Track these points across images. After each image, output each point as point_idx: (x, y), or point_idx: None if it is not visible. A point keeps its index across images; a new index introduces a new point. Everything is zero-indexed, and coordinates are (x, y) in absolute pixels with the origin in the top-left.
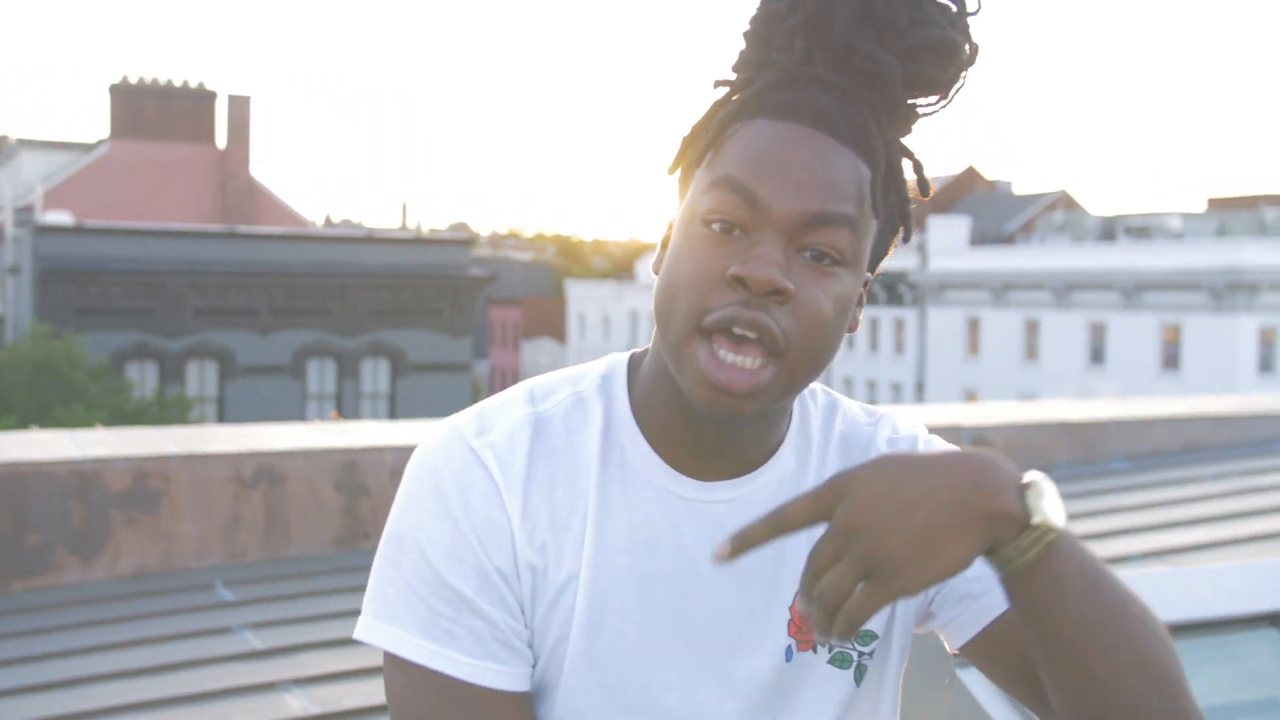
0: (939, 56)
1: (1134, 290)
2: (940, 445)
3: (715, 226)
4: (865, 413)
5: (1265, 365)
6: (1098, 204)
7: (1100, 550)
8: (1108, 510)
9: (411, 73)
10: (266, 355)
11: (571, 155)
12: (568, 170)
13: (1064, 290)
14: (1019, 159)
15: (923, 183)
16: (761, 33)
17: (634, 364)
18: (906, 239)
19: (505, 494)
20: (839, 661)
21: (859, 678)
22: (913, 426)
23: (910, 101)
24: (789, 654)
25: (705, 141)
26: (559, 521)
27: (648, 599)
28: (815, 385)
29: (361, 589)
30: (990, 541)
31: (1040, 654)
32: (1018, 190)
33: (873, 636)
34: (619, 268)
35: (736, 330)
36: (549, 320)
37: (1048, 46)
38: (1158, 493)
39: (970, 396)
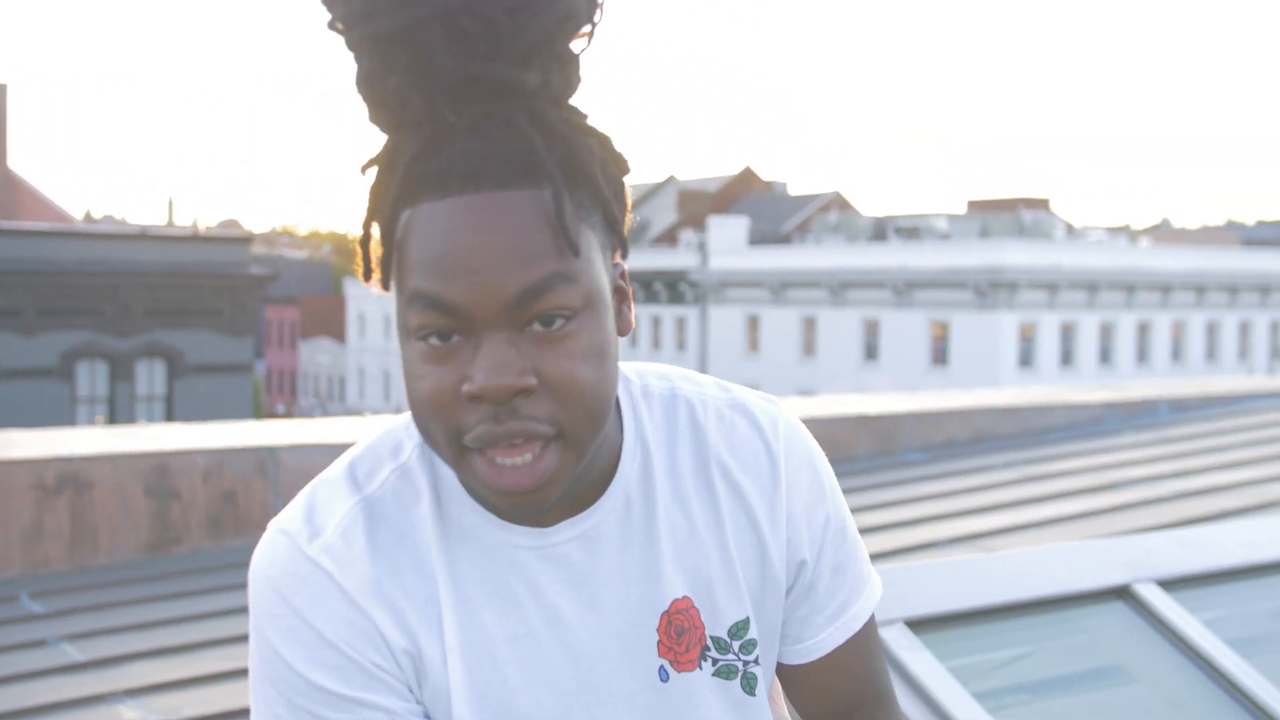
0: (564, 24)
1: (905, 288)
2: (800, 430)
3: (432, 339)
4: (718, 390)
5: (1025, 360)
6: (869, 205)
7: (904, 538)
8: (908, 500)
9: (169, 62)
10: (32, 358)
11: (346, 150)
12: (342, 166)
13: (839, 288)
14: (794, 161)
15: (615, 156)
16: (375, 97)
17: None
18: (623, 210)
19: (357, 597)
20: (724, 674)
21: (750, 687)
22: (771, 414)
23: (560, 63)
24: (663, 674)
25: (384, 247)
26: (417, 605)
27: (522, 655)
28: (648, 375)
29: (178, 595)
30: None
31: None
32: (793, 191)
33: (754, 645)
34: None
35: (500, 444)
36: (327, 320)
37: (819, 51)
38: (953, 481)
39: None
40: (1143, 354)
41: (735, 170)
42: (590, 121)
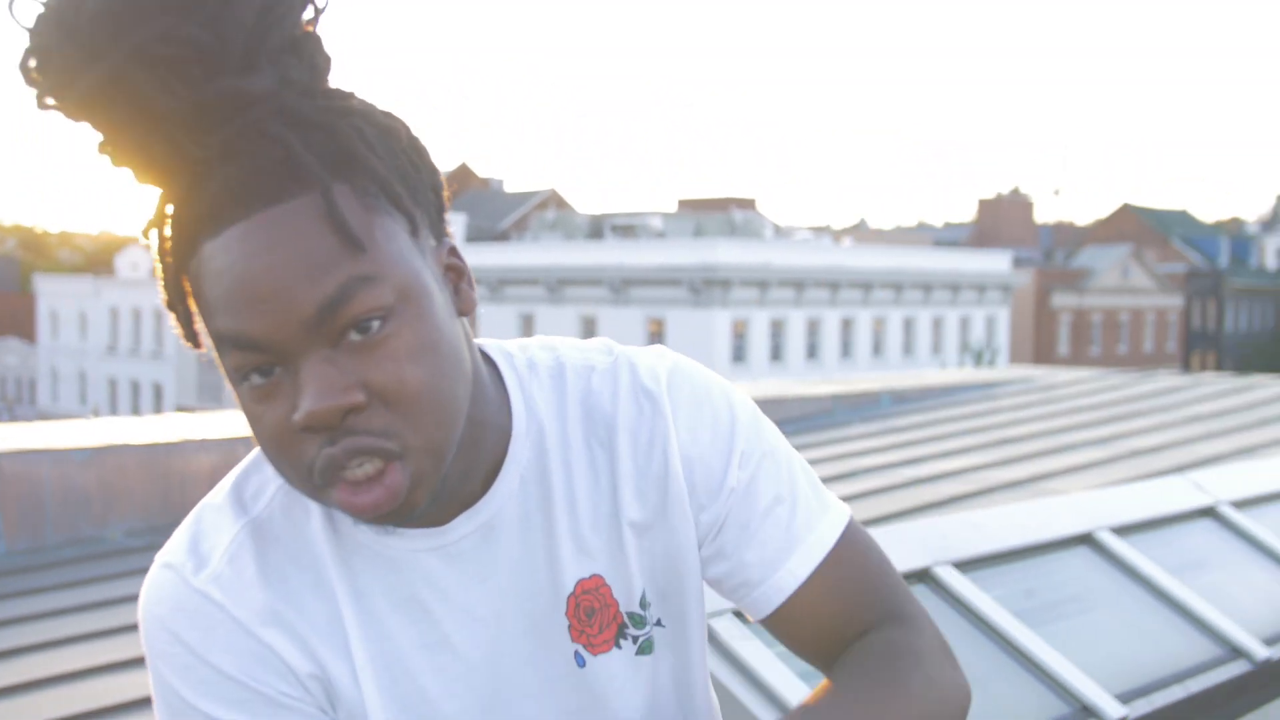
0: (266, 25)
1: (621, 285)
2: (691, 373)
3: (254, 377)
4: (602, 354)
5: (738, 355)
6: (585, 203)
7: None
8: None
9: None
10: None
11: (32, 141)
12: (28, 158)
13: (557, 285)
14: (510, 158)
15: (386, 115)
16: (123, 159)
17: None
18: (422, 184)
19: (252, 626)
20: (645, 649)
21: (648, 648)
22: (653, 366)
23: (289, 55)
24: (580, 660)
25: (182, 303)
26: (318, 626)
27: (436, 661)
28: (531, 348)
29: None
30: None
31: None
32: (510, 188)
33: (642, 620)
34: (93, 262)
35: (345, 474)
36: (15, 318)
37: (528, 45)
38: None
39: None
40: (846, 348)
41: (451, 167)
42: (357, 98)
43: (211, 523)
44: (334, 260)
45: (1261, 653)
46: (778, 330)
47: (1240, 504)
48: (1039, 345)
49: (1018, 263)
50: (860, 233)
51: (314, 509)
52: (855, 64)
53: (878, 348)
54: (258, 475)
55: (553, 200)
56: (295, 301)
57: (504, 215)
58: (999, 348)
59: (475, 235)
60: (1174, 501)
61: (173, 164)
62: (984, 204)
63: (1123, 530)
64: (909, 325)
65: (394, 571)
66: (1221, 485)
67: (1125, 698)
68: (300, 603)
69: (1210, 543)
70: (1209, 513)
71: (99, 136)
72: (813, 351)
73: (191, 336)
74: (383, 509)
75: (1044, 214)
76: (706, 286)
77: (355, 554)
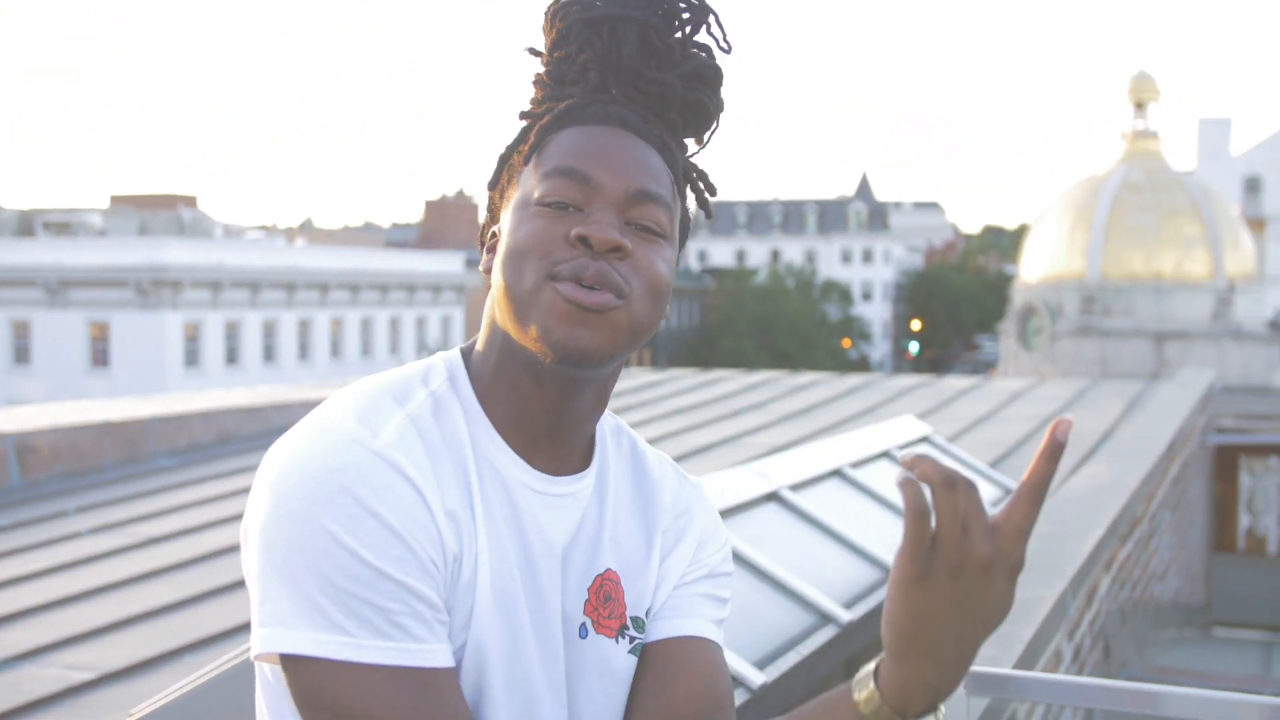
0: (706, 83)
1: (59, 287)
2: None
3: (552, 205)
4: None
5: (190, 359)
6: (12, 198)
7: (189, 546)
8: (189, 505)
9: None
10: None
11: None
12: None
13: None
14: None
15: (708, 184)
16: (555, 74)
17: (465, 361)
18: (709, 215)
19: (424, 490)
20: (637, 651)
21: (637, 651)
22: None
23: (682, 140)
24: (583, 631)
25: (528, 149)
26: (458, 512)
27: (526, 580)
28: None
29: None
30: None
31: None
32: None
33: (642, 625)
34: None
35: (584, 281)
36: None
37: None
38: (225, 484)
39: None
40: (304, 351)
41: None
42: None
43: (372, 406)
44: (661, 179)
45: (844, 616)
46: (233, 333)
47: (795, 487)
48: None
49: (469, 264)
50: (309, 232)
51: (458, 419)
52: (295, 60)
53: (336, 349)
54: (403, 384)
55: None
56: (632, 175)
57: None
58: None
59: None
60: (745, 489)
61: (589, 91)
62: (430, 205)
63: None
64: (366, 326)
65: (510, 492)
66: (777, 472)
67: (760, 665)
68: (446, 491)
69: (778, 522)
70: (772, 496)
71: (555, 46)
72: (270, 354)
73: (496, 181)
74: (593, 303)
75: None
76: (155, 288)
77: (486, 469)
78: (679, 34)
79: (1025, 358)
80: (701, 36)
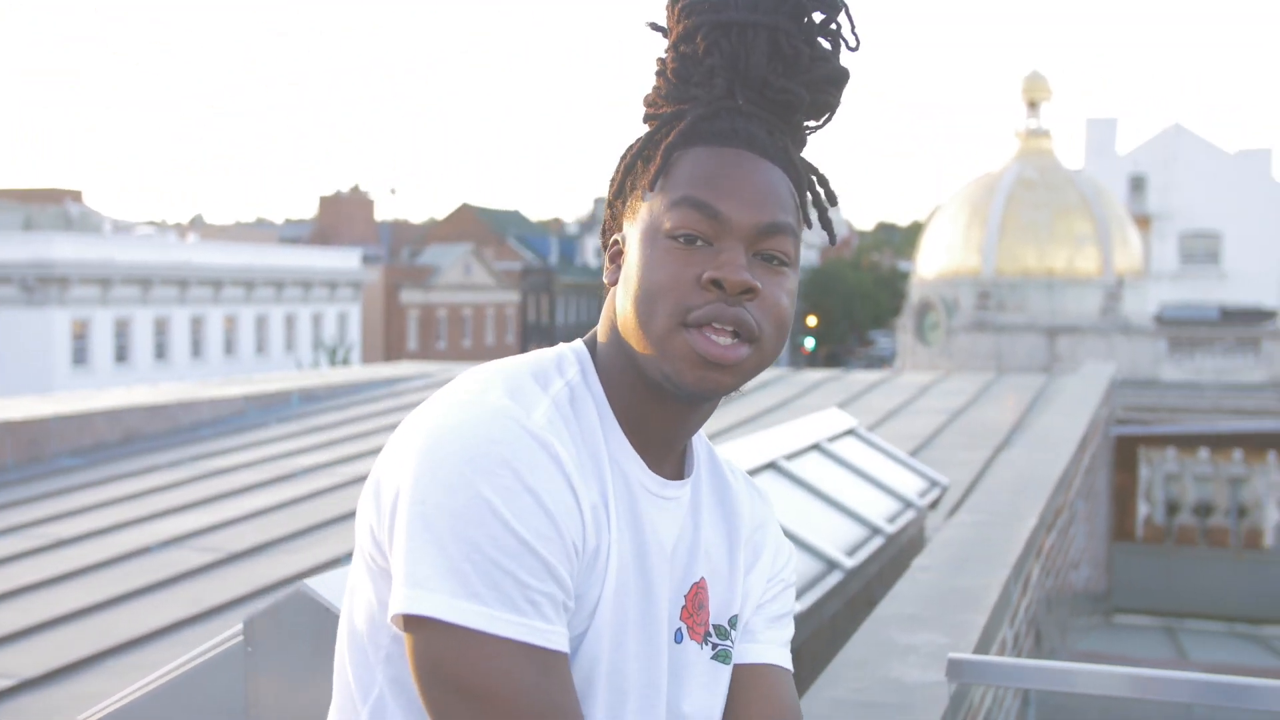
0: (834, 85)
1: None
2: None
3: (681, 239)
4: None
5: (79, 357)
6: None
7: (115, 545)
8: (95, 505)
9: None
10: None
11: None
12: None
13: None
14: None
15: (830, 194)
16: (680, 72)
17: (591, 355)
18: (832, 242)
19: (573, 477)
20: (721, 658)
21: (726, 659)
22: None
23: (806, 123)
24: (679, 636)
25: (654, 169)
26: (597, 504)
27: (639, 578)
28: None
29: None
30: None
31: None
32: None
33: (725, 634)
34: None
35: (717, 324)
36: None
37: None
38: (130, 484)
39: None
40: (197, 348)
41: None
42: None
43: (519, 386)
44: (788, 208)
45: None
46: (123, 330)
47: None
48: (389, 341)
49: (366, 260)
50: (201, 228)
51: (591, 410)
52: (179, 52)
53: (230, 346)
54: (540, 371)
55: None
56: (760, 208)
57: None
58: (353, 343)
59: None
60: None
61: (715, 99)
62: (325, 201)
63: None
64: (261, 323)
65: (628, 489)
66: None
67: None
68: (585, 478)
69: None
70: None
71: (680, 49)
72: (161, 352)
73: (621, 192)
74: (724, 360)
75: (383, 212)
76: (41, 285)
77: (615, 463)
78: (807, 35)
79: (922, 352)
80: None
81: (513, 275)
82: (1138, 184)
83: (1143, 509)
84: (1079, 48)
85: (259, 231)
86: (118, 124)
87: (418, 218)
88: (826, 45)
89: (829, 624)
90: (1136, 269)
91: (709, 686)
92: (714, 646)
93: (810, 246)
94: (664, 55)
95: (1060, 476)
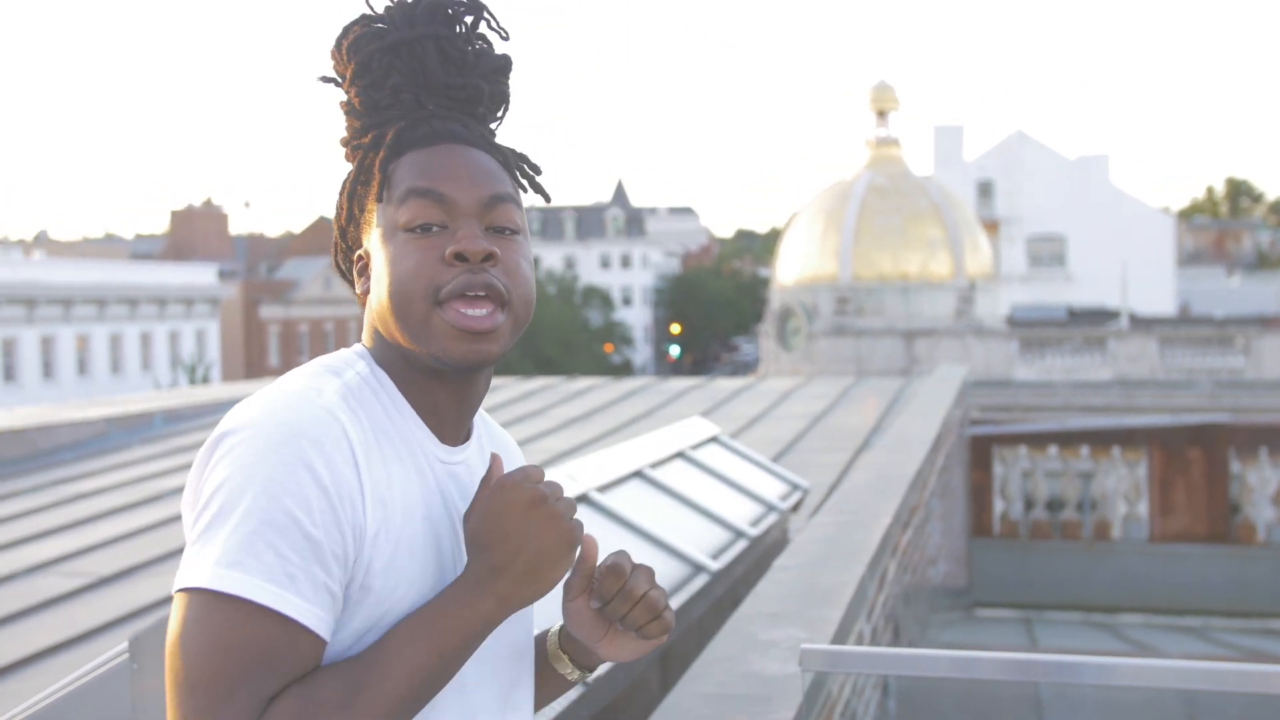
0: (502, 73)
1: None
2: None
3: (418, 229)
4: None
5: None
6: None
7: None
8: None
9: None
10: None
11: None
12: None
13: None
14: None
15: (533, 165)
16: (366, 101)
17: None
18: (546, 200)
19: (358, 454)
20: None
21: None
22: None
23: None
24: None
25: (375, 184)
26: (380, 483)
27: (439, 549)
28: None
29: None
30: None
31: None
32: None
33: None
34: None
35: (469, 294)
36: None
37: None
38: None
39: None
40: (48, 369)
41: None
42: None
43: (316, 374)
44: (504, 180)
45: None
46: None
47: (602, 489)
48: (250, 357)
49: (222, 275)
50: (46, 244)
51: (381, 396)
52: (23, 57)
53: (83, 367)
54: (336, 361)
55: None
56: (479, 184)
57: None
58: (212, 361)
59: None
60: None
61: (406, 111)
62: (176, 215)
63: None
64: (116, 342)
65: (424, 467)
66: (584, 475)
67: None
68: (371, 460)
69: (590, 524)
70: (582, 499)
71: (361, 77)
72: (10, 374)
73: (350, 215)
74: (483, 328)
75: (237, 226)
76: None
77: (405, 445)
78: (464, 36)
79: (785, 358)
80: (481, 32)
81: None
82: (985, 189)
83: (999, 505)
84: (926, 56)
85: (109, 247)
86: None
87: (273, 231)
88: (486, 41)
89: (696, 625)
90: (987, 272)
91: (527, 617)
92: None
93: (670, 255)
94: (344, 98)
95: (914, 476)
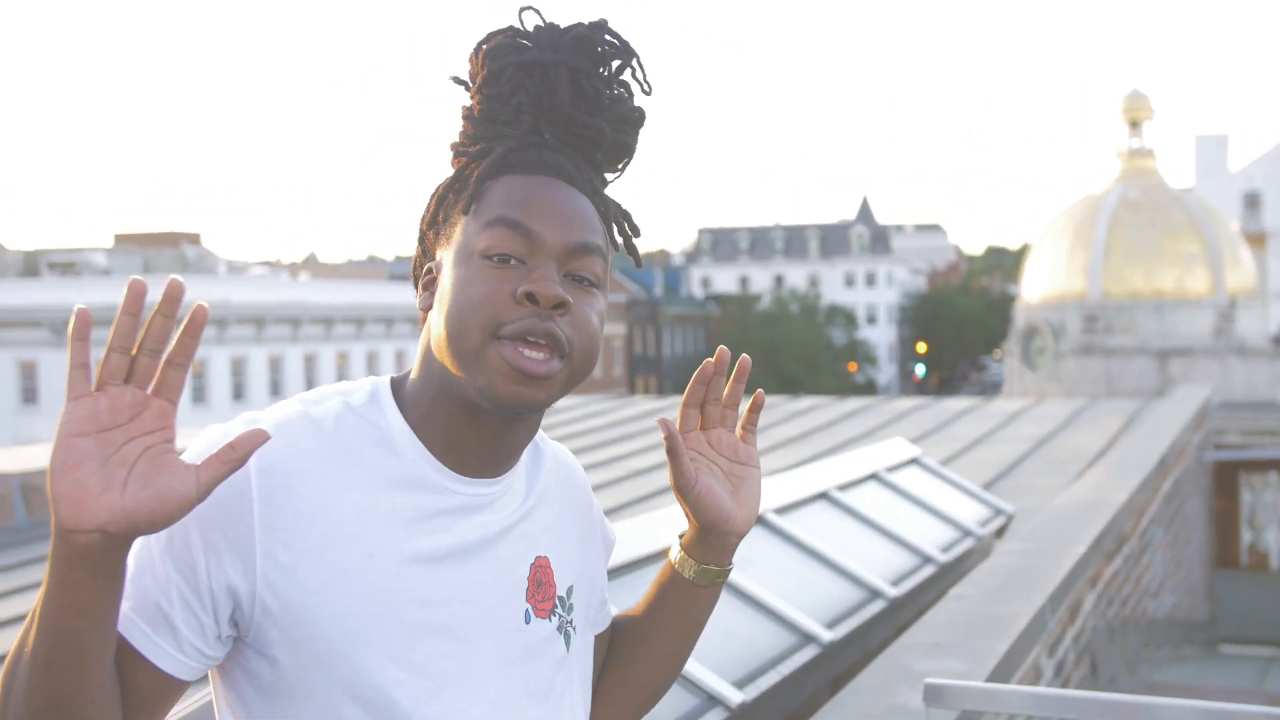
0: (632, 125)
1: (64, 327)
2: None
3: (495, 258)
4: None
5: (197, 396)
6: (14, 238)
7: None
8: None
9: None
10: None
11: None
12: None
13: None
14: None
15: (633, 226)
16: (487, 113)
17: (396, 387)
18: (638, 265)
19: (257, 504)
20: (560, 629)
21: (567, 643)
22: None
23: (604, 173)
24: (527, 617)
25: (467, 195)
26: (329, 506)
27: (428, 578)
28: None
29: None
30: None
31: (652, 644)
32: None
33: (572, 608)
34: None
35: (530, 338)
36: None
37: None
38: None
39: None
40: (311, 385)
41: None
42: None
43: (282, 403)
44: (598, 230)
45: (826, 635)
46: (238, 369)
47: (780, 511)
48: None
49: None
50: (313, 267)
51: (368, 430)
52: (295, 93)
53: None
54: (320, 393)
55: None
56: (571, 228)
57: None
58: None
59: None
60: None
61: (522, 134)
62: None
63: None
64: (372, 359)
65: (420, 499)
66: (765, 496)
67: (739, 684)
68: (314, 492)
69: (763, 545)
70: (758, 520)
71: (488, 89)
72: (276, 389)
73: (434, 219)
74: (535, 373)
75: None
76: None
77: (397, 479)
78: (605, 77)
79: (1030, 377)
80: (624, 77)
81: (619, 307)
82: (1252, 201)
83: (1246, 535)
84: (1186, 66)
85: (370, 269)
86: (234, 167)
87: None
88: (623, 85)
89: (876, 652)
90: (1251, 288)
91: (561, 660)
92: (557, 619)
93: (916, 272)
94: (468, 103)
95: (1124, 503)
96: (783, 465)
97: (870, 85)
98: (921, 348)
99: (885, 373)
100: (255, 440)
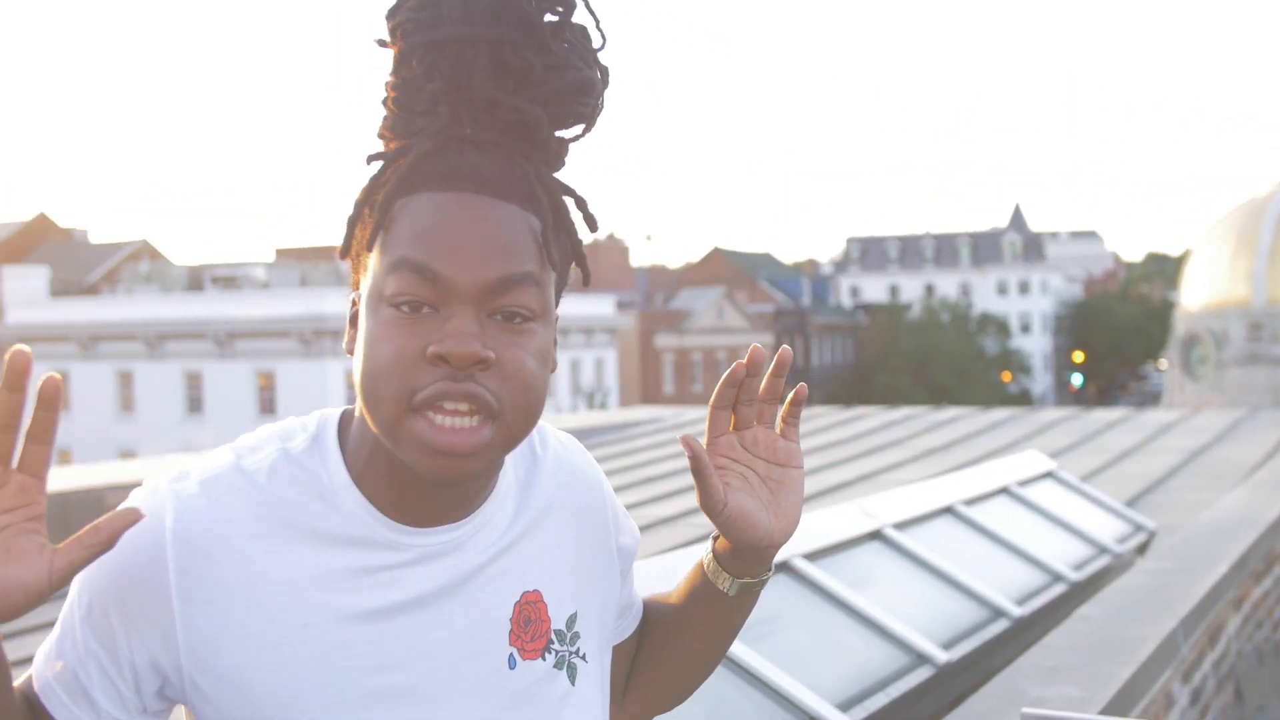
0: (579, 94)
1: (227, 339)
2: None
3: (404, 307)
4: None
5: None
6: (181, 253)
7: None
8: None
9: None
10: None
11: None
12: None
13: (156, 340)
14: (91, 207)
15: (589, 217)
16: (402, 101)
17: (344, 425)
18: (586, 280)
19: (174, 576)
20: (560, 664)
21: (572, 677)
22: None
23: (558, 136)
24: (511, 661)
25: (373, 223)
26: (255, 573)
27: (379, 639)
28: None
29: None
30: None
31: (685, 644)
32: (94, 239)
33: (578, 636)
34: None
35: (448, 405)
36: None
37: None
38: None
39: (64, 454)
40: None
41: (28, 216)
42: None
43: (216, 455)
44: (526, 256)
45: (941, 656)
46: None
47: (900, 525)
48: (645, 385)
49: (620, 306)
50: None
51: (305, 482)
52: None
53: None
54: (257, 439)
55: (145, 251)
56: (487, 263)
57: (91, 268)
58: (609, 388)
59: (60, 289)
60: (848, 527)
61: (440, 128)
62: (585, 248)
63: (812, 555)
64: None
65: (367, 554)
66: (884, 510)
67: (843, 706)
68: (246, 551)
69: (879, 561)
70: (875, 535)
71: (399, 76)
72: None
73: (349, 248)
74: (459, 449)
75: (638, 258)
76: (317, 337)
77: (338, 534)
78: (537, 43)
79: (1190, 387)
80: (569, 37)
81: (765, 317)
82: None
83: None
84: None
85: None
86: None
87: (675, 263)
88: (565, 50)
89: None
90: None
91: (564, 697)
92: (556, 655)
93: (1072, 280)
94: (387, 79)
95: (1276, 519)
96: (924, 477)
97: (1024, 90)
98: (1079, 357)
99: (1040, 382)
100: (122, 522)
